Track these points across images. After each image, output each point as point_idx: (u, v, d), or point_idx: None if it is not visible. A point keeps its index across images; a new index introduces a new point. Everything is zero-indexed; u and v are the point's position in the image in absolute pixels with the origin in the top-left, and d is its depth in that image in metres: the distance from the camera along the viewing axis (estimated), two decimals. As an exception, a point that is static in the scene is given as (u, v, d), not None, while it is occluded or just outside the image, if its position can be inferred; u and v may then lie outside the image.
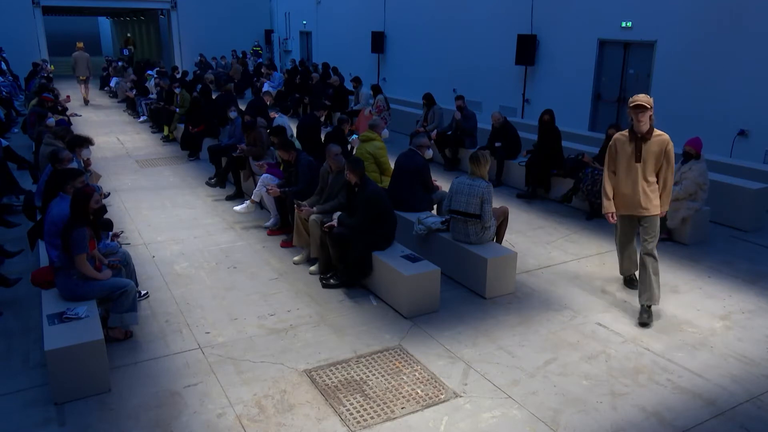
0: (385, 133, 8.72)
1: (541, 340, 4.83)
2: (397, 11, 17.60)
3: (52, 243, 4.69)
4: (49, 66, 19.34)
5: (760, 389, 4.19)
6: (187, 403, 4.01)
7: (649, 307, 5.12)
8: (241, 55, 22.76)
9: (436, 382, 4.25)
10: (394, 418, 3.85)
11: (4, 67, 18.97)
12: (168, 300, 5.51)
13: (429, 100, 11.31)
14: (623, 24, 10.93)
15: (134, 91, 16.31)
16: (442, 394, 4.11)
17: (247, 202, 7.50)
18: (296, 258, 6.39)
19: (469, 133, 10.29)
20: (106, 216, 6.29)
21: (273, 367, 4.43)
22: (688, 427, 3.80)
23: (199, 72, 18.97)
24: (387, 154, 7.47)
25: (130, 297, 4.65)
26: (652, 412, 3.94)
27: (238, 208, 7.53)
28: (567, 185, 8.27)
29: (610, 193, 5.15)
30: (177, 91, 12.85)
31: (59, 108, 11.62)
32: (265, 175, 7.46)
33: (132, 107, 16.41)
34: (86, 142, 7.27)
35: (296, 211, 6.21)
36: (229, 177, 9.14)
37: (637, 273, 5.46)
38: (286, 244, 6.79)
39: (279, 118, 9.81)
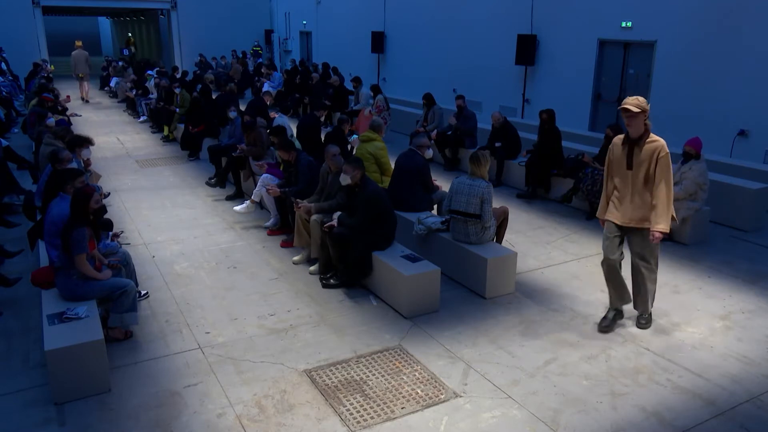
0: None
1: (541, 340, 4.83)
2: (397, 11, 17.60)
3: (52, 243, 4.69)
4: (49, 66, 19.35)
5: (760, 389, 4.19)
6: (187, 403, 4.01)
7: (645, 312, 5.01)
8: (241, 55, 22.76)
9: (436, 382, 4.25)
10: (394, 418, 3.85)
11: (4, 67, 18.98)
12: (168, 300, 5.51)
13: (429, 100, 11.31)
14: (623, 24, 10.93)
15: (135, 91, 16.31)
16: (442, 394, 4.11)
17: (247, 202, 7.50)
18: (296, 258, 6.39)
19: (469, 133, 10.29)
20: (106, 216, 6.29)
21: (273, 367, 4.43)
22: (688, 427, 3.80)
23: (199, 72, 18.98)
24: (388, 154, 7.47)
25: (130, 297, 4.65)
26: (652, 412, 3.94)
27: (238, 208, 7.54)
28: (567, 185, 8.27)
29: (605, 200, 4.86)
30: (177, 91, 12.86)
31: (59, 108, 11.62)
32: (265, 175, 7.46)
33: (132, 107, 16.41)
34: (86, 142, 7.27)
35: (295, 208, 6.21)
36: (229, 177, 9.14)
37: (625, 306, 5.04)
38: (286, 244, 6.79)
39: (279, 118, 9.81)
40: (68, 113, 11.88)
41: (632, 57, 11.11)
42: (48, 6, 23.81)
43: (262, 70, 18.42)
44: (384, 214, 5.62)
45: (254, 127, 8.53)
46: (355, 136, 9.88)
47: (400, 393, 4.11)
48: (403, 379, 4.28)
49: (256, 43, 25.55)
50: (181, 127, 11.73)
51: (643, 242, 4.69)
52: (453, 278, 5.90)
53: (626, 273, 4.90)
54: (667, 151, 4.50)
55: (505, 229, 6.31)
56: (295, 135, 9.19)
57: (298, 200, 6.25)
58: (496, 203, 6.27)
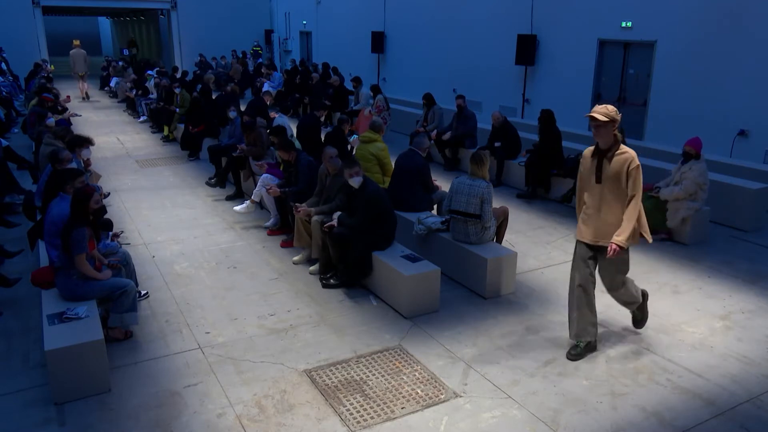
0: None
1: (541, 340, 4.83)
2: (397, 11, 17.60)
3: (52, 243, 4.69)
4: (49, 66, 19.37)
5: (760, 389, 4.19)
6: (187, 403, 4.01)
7: (641, 318, 4.83)
8: (241, 55, 22.76)
9: (436, 382, 4.25)
10: (394, 418, 3.85)
11: (4, 67, 18.98)
12: (168, 300, 5.51)
13: (429, 100, 11.31)
14: (623, 24, 10.93)
15: (135, 91, 16.31)
16: (442, 394, 4.11)
17: (247, 202, 7.50)
18: (296, 258, 6.39)
19: (469, 134, 10.29)
20: (106, 216, 6.29)
21: (273, 367, 4.43)
22: (688, 427, 3.80)
23: (199, 72, 18.98)
24: (389, 154, 7.47)
25: (130, 297, 4.65)
26: (652, 412, 3.94)
27: (238, 208, 7.54)
28: (567, 185, 8.27)
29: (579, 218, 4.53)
30: (177, 91, 12.85)
31: (59, 108, 11.61)
32: (265, 175, 7.46)
33: (132, 107, 16.41)
34: (86, 142, 7.28)
35: (294, 212, 6.21)
36: (229, 177, 9.14)
37: (591, 340, 4.59)
38: (286, 244, 6.79)
39: (279, 118, 9.81)
40: (68, 113, 11.85)
41: (632, 57, 11.11)
42: (48, 6, 23.81)
43: (262, 70, 18.42)
44: (384, 214, 5.62)
45: (254, 127, 8.53)
46: (355, 136, 9.88)
47: (400, 393, 4.11)
48: (403, 379, 4.28)
49: (256, 43, 25.55)
50: (181, 127, 11.73)
51: (611, 266, 4.43)
52: (453, 278, 5.90)
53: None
54: (638, 163, 4.19)
55: (505, 229, 6.31)
56: (295, 135, 9.19)
57: (296, 204, 6.24)
58: (496, 203, 6.27)
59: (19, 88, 18.82)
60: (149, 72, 17.19)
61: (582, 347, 4.56)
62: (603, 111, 4.12)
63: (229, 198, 8.66)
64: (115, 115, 16.61)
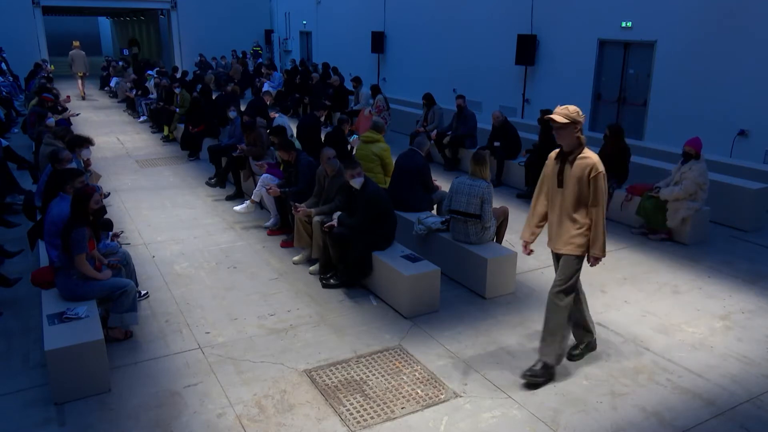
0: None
1: (541, 340, 4.83)
2: (397, 11, 17.60)
3: (52, 243, 4.69)
4: (49, 66, 19.39)
5: (760, 389, 4.19)
6: (187, 403, 4.01)
7: (545, 364, 4.19)
8: (241, 55, 22.76)
9: (436, 382, 4.25)
10: (394, 418, 3.85)
11: (4, 67, 18.98)
12: (168, 300, 5.51)
13: (429, 100, 11.31)
14: (623, 24, 10.93)
15: (135, 91, 16.32)
16: (442, 394, 4.11)
17: (247, 202, 7.50)
18: (296, 258, 6.39)
19: (469, 134, 10.29)
20: (106, 216, 6.29)
21: (273, 367, 4.43)
22: (688, 427, 3.80)
23: (199, 72, 18.98)
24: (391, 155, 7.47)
25: (130, 297, 4.65)
26: (652, 412, 3.94)
27: (238, 208, 7.54)
28: (567, 185, 8.25)
29: (532, 219, 4.36)
30: (177, 91, 12.85)
31: (59, 108, 11.61)
32: (265, 175, 7.46)
33: (132, 107, 16.42)
34: (86, 142, 7.28)
35: (294, 212, 6.21)
36: (229, 177, 9.14)
37: (582, 341, 4.52)
38: (286, 244, 6.79)
39: (279, 118, 9.82)
40: (68, 113, 11.85)
41: (632, 57, 11.11)
42: (48, 6, 23.81)
43: (262, 70, 18.42)
44: (384, 214, 5.62)
45: (254, 127, 8.53)
46: (355, 136, 9.88)
47: (400, 393, 4.11)
48: (403, 379, 4.28)
49: (255, 43, 25.55)
50: (181, 127, 11.73)
51: (561, 269, 4.15)
52: (453, 278, 5.90)
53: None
54: (601, 170, 3.91)
55: (505, 229, 6.31)
56: (295, 135, 9.19)
57: (296, 204, 6.24)
58: (496, 203, 6.27)
59: (19, 88, 18.83)
60: (149, 72, 17.19)
61: (582, 348, 4.54)
62: (563, 112, 3.91)
63: (229, 198, 8.66)
64: (115, 115, 16.61)
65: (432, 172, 6.90)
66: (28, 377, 4.31)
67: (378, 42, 18.41)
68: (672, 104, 10.21)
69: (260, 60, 22.80)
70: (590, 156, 3.95)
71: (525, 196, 8.73)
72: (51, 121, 9.25)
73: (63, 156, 6.07)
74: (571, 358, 4.49)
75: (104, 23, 43.74)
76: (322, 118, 11.43)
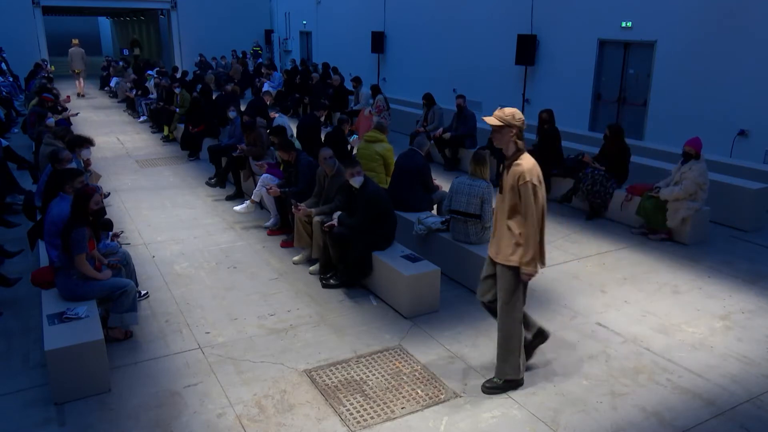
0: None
1: (541, 340, 4.83)
2: (397, 11, 17.59)
3: (52, 243, 4.69)
4: (49, 66, 19.40)
5: (760, 389, 4.19)
6: (187, 403, 4.01)
7: (506, 381, 4.09)
8: (241, 55, 22.76)
9: (436, 382, 4.25)
10: (394, 418, 3.85)
11: (4, 67, 18.98)
12: (168, 300, 5.51)
13: (429, 100, 11.30)
14: (623, 24, 10.93)
15: (135, 91, 16.32)
16: (442, 394, 4.11)
17: (247, 202, 7.50)
18: (296, 258, 6.39)
19: (469, 134, 10.29)
20: (106, 216, 6.29)
21: (273, 367, 4.43)
22: (688, 427, 3.80)
23: (199, 72, 18.98)
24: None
25: (130, 297, 4.65)
26: (652, 412, 3.94)
27: (238, 208, 7.54)
28: (567, 185, 8.27)
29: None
30: (177, 91, 12.85)
31: (59, 108, 11.61)
32: (265, 175, 7.46)
33: (132, 107, 16.41)
34: (87, 142, 7.28)
35: (294, 211, 6.21)
36: (229, 177, 9.14)
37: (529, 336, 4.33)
38: (286, 244, 6.79)
39: (279, 118, 9.82)
40: (68, 113, 11.85)
41: (632, 57, 11.11)
42: (48, 6, 23.80)
43: (262, 70, 18.42)
44: (384, 214, 5.62)
45: (254, 127, 8.53)
46: (354, 136, 9.88)
47: (400, 393, 4.11)
48: (403, 379, 4.28)
49: (255, 43, 25.55)
50: (181, 127, 11.73)
51: (500, 280, 4.02)
52: (453, 278, 5.90)
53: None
54: (529, 179, 3.68)
55: (505, 229, 6.30)
56: (295, 135, 9.19)
57: (296, 203, 6.25)
58: (496, 203, 6.26)
59: (19, 88, 18.82)
60: (149, 72, 17.19)
61: (529, 339, 4.27)
62: (498, 115, 3.75)
63: (229, 198, 8.66)
64: (115, 115, 16.61)
65: (432, 172, 6.90)
66: (28, 377, 4.31)
67: (378, 42, 18.40)
68: (672, 104, 10.21)
69: (260, 60, 22.80)
70: (523, 163, 3.72)
71: (525, 196, 8.71)
72: (51, 121, 9.25)
73: (63, 156, 6.07)
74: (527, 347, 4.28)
75: (104, 23, 43.74)
76: (322, 118, 11.43)
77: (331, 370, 4.38)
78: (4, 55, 19.85)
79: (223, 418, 3.86)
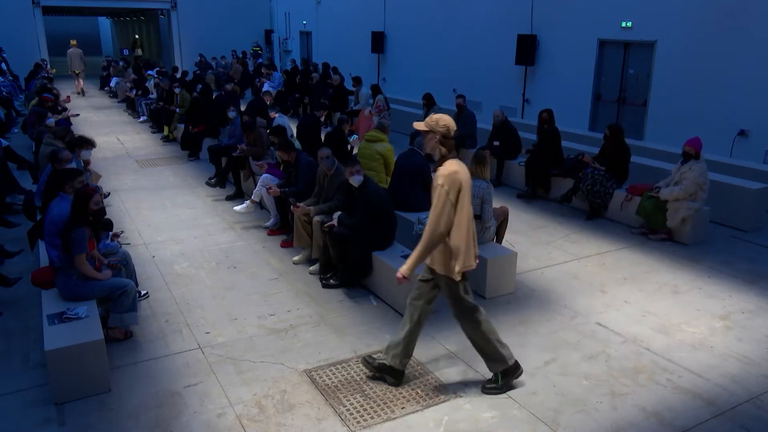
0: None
1: (541, 340, 4.83)
2: (397, 11, 17.60)
3: (52, 243, 4.69)
4: (48, 66, 19.40)
5: (760, 389, 4.19)
6: (187, 403, 4.01)
7: (496, 374, 4.12)
8: (241, 55, 22.76)
9: (436, 382, 4.25)
10: (394, 418, 3.85)
11: (4, 67, 18.99)
12: (168, 300, 5.51)
13: (429, 100, 11.31)
14: (623, 24, 10.93)
15: (135, 91, 16.32)
16: (442, 394, 4.11)
17: (247, 202, 7.50)
18: (296, 258, 6.38)
19: (469, 134, 10.29)
20: (106, 216, 6.28)
21: (273, 367, 4.43)
22: (688, 427, 3.80)
23: (199, 72, 18.98)
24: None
25: (130, 297, 4.65)
26: (652, 412, 3.94)
27: (238, 208, 7.54)
28: (567, 185, 8.27)
29: None
30: (177, 91, 12.85)
31: (59, 108, 11.61)
32: (265, 175, 7.46)
33: (132, 107, 16.42)
34: (88, 143, 7.27)
35: (293, 209, 6.21)
36: (229, 177, 9.14)
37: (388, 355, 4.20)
38: (286, 244, 6.79)
39: (279, 118, 9.81)
40: (68, 113, 11.85)
41: (632, 57, 11.11)
42: (48, 6, 23.82)
43: (262, 70, 18.41)
44: (384, 214, 5.62)
45: (254, 127, 8.53)
46: (354, 136, 9.87)
47: (400, 393, 4.11)
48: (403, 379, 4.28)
49: (255, 43, 25.55)
50: (181, 127, 11.73)
51: (442, 291, 4.02)
52: (453, 278, 5.89)
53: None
54: (442, 183, 3.65)
55: (505, 229, 6.32)
56: (295, 135, 9.19)
57: (295, 201, 6.25)
58: (496, 203, 6.27)
59: (19, 88, 18.83)
60: (149, 72, 17.19)
61: (384, 362, 4.17)
62: (427, 120, 3.76)
63: (229, 198, 8.66)
64: (115, 115, 16.61)
65: (432, 172, 6.89)
66: (28, 377, 4.31)
67: (378, 42, 18.40)
68: (672, 104, 10.21)
69: (260, 60, 22.80)
70: (442, 168, 3.71)
71: (525, 196, 8.73)
72: (51, 121, 9.25)
73: (63, 156, 6.07)
74: (367, 364, 4.26)
75: (104, 23, 43.76)
76: (322, 118, 11.43)
77: (331, 370, 4.38)
78: (4, 55, 19.86)
79: (223, 418, 3.86)
